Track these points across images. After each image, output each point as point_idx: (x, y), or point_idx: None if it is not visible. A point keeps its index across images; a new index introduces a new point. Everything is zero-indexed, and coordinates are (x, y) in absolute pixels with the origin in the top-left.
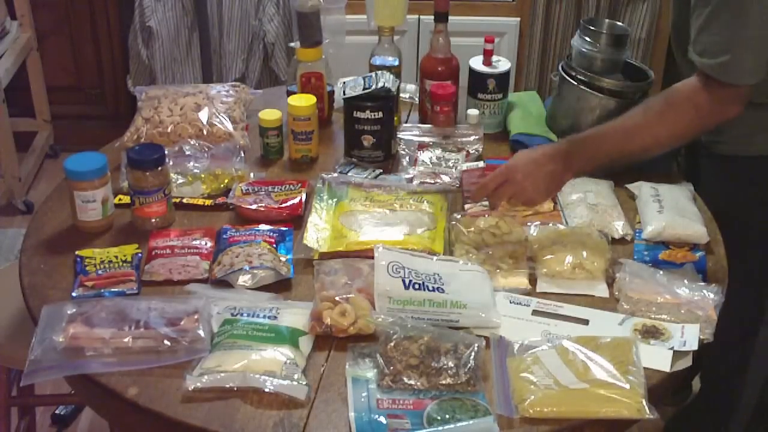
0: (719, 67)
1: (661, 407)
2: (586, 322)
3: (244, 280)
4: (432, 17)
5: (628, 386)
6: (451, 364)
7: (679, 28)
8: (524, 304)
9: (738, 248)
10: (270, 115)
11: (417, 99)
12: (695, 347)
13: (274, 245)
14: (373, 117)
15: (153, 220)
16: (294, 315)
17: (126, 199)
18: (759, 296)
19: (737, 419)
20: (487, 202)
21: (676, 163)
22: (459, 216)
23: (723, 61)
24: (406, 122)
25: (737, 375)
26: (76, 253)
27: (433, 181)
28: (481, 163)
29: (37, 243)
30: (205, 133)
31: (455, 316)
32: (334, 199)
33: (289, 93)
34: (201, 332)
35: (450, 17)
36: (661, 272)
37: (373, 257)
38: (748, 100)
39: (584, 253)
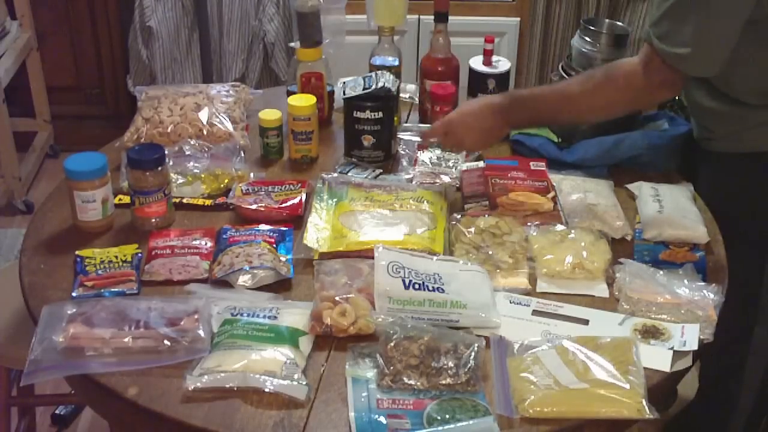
0: (677, 57)
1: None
2: (586, 322)
3: (244, 280)
4: (432, 17)
5: (628, 386)
6: (451, 364)
7: None
8: (524, 304)
9: (731, 244)
10: (270, 115)
11: (417, 99)
12: (695, 347)
13: (274, 245)
14: (373, 117)
15: (153, 220)
16: (294, 315)
17: (126, 199)
18: (754, 293)
19: (736, 418)
20: (486, 202)
21: (677, 162)
22: (459, 216)
23: (683, 53)
24: (406, 122)
25: (735, 374)
26: (76, 253)
27: (433, 181)
28: (481, 163)
29: (37, 243)
30: (205, 133)
31: (455, 316)
32: (334, 199)
33: (289, 93)
34: (201, 332)
35: (450, 17)
36: (661, 272)
37: (373, 257)
38: (682, 87)
39: (584, 253)
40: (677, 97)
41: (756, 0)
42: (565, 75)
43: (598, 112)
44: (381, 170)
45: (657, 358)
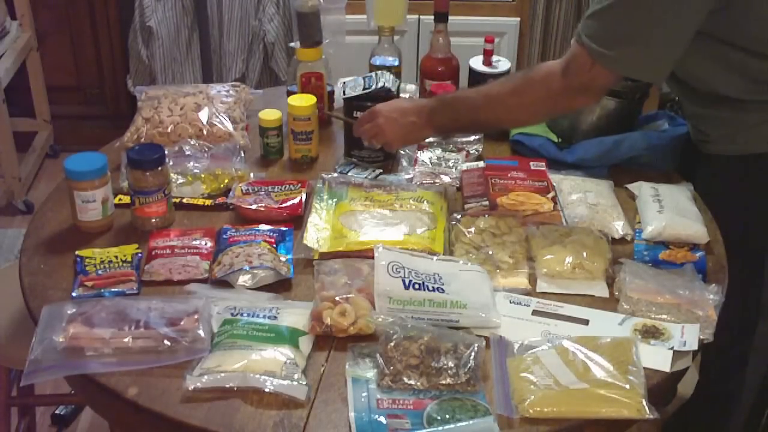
0: (606, 57)
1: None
2: (586, 322)
3: (244, 280)
4: (432, 17)
5: (628, 386)
6: (451, 364)
7: None
8: (524, 304)
9: (730, 245)
10: (270, 115)
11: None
12: (695, 347)
13: (274, 245)
14: None
15: (153, 220)
16: (294, 315)
17: (126, 199)
18: (756, 292)
19: (737, 416)
20: (486, 202)
21: (677, 163)
22: (459, 216)
23: (610, 53)
24: None
25: (736, 371)
26: (76, 253)
27: (433, 181)
28: (481, 163)
29: (37, 243)
30: (205, 133)
31: (455, 316)
32: (334, 199)
33: (289, 93)
34: (201, 332)
35: (450, 17)
36: (661, 272)
37: (373, 257)
38: (601, 96)
39: (584, 253)
40: (677, 98)
41: (707, 11)
42: None
43: (517, 113)
44: (381, 170)
45: (657, 358)
